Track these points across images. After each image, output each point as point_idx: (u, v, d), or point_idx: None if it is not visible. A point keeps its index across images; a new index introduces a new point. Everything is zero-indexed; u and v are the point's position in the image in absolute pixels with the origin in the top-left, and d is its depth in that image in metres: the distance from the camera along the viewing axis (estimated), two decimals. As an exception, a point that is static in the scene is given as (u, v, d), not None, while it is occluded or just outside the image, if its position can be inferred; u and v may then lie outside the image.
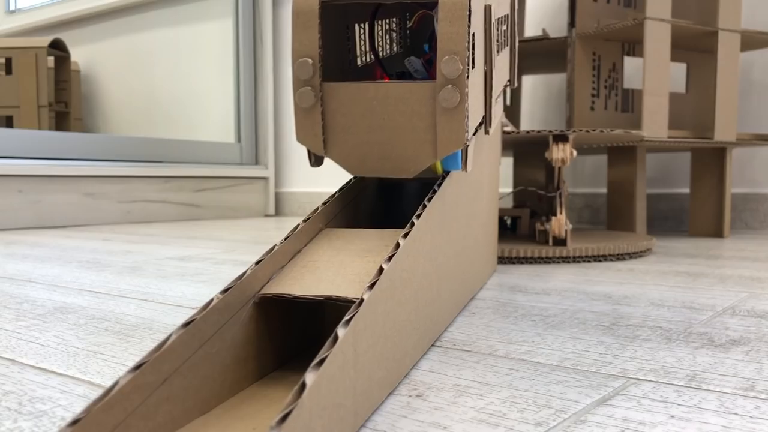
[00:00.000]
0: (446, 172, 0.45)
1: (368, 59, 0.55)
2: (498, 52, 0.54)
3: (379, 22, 0.59)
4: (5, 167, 1.45)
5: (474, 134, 0.44)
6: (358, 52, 0.52)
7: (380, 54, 0.59)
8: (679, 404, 0.32)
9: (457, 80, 0.39)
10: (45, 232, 1.38)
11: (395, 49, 0.64)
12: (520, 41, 1.16)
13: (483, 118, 0.48)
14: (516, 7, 0.66)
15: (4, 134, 1.52)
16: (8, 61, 2.12)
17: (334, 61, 0.47)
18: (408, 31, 0.65)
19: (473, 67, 0.41)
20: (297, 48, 0.40)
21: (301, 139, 0.42)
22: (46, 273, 0.77)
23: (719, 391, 0.34)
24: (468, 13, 0.39)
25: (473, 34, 0.40)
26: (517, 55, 0.68)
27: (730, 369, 0.38)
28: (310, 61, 0.40)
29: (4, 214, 1.46)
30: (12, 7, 2.78)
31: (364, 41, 0.53)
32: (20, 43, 2.13)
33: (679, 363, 0.39)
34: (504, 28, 0.59)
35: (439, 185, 0.43)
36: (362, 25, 0.53)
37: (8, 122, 2.13)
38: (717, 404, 0.32)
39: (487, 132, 0.49)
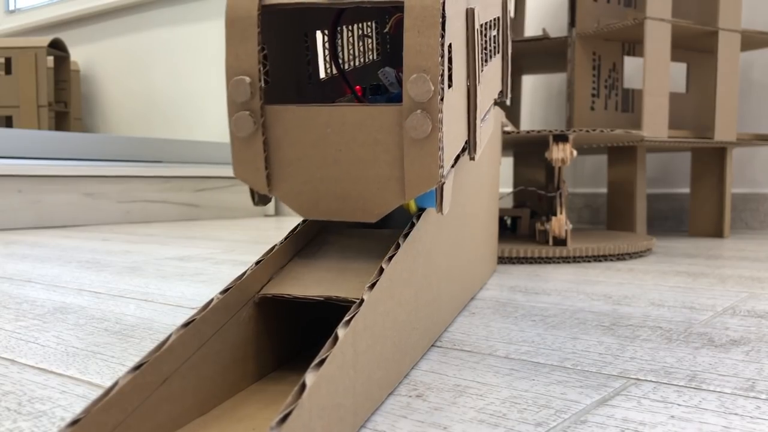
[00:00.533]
0: (421, 210, 0.39)
1: (334, 71, 0.49)
2: (486, 61, 0.48)
3: (351, 27, 0.53)
4: (5, 167, 1.45)
5: (453, 166, 0.37)
6: (322, 64, 0.47)
7: (352, 64, 0.53)
8: (679, 404, 0.32)
9: (427, 104, 0.32)
10: (44, 232, 1.38)
11: (372, 57, 0.57)
12: (520, 41, 1.16)
13: (466, 143, 0.42)
14: (508, 8, 0.60)
15: (3, 134, 1.52)
16: (8, 60, 2.12)
17: (287, 77, 0.41)
18: (388, 37, 0.60)
19: (450, 87, 0.35)
20: (232, 64, 0.34)
21: (239, 173, 0.35)
22: (45, 273, 0.77)
23: (719, 392, 0.34)
24: (441, 19, 0.32)
25: (449, 45, 0.34)
26: (510, 63, 0.60)
27: (730, 369, 0.38)
28: (248, 79, 0.33)
29: (3, 214, 1.46)
30: (12, 7, 2.78)
31: (327, 50, 0.47)
32: (20, 43, 2.13)
33: (680, 363, 0.39)
34: (494, 33, 0.52)
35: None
36: (327, 31, 0.47)
37: (8, 122, 2.13)
38: (717, 404, 0.32)
39: (472, 158, 0.43)
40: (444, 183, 0.34)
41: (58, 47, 2.23)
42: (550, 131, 0.84)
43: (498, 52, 0.55)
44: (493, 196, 0.69)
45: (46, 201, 1.53)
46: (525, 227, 1.03)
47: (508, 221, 1.05)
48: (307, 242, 0.40)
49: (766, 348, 0.43)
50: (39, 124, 2.11)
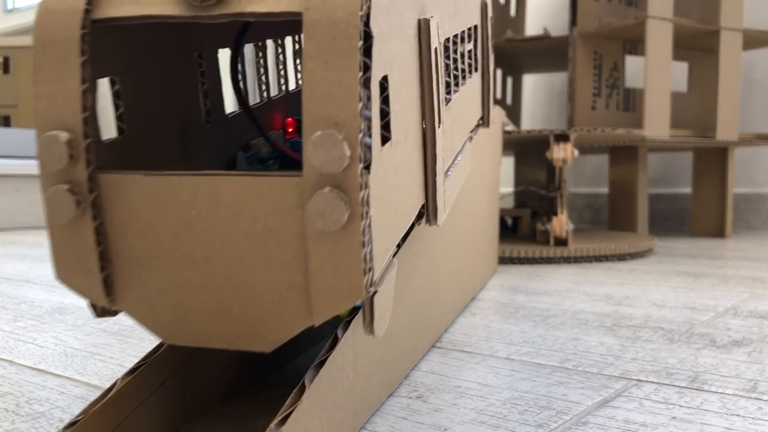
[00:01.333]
0: (356, 311, 0.28)
1: (257, 100, 0.38)
2: (457, 85, 0.37)
3: (281, 41, 0.41)
4: (3, 167, 1.45)
5: (396, 254, 0.27)
6: (229, 94, 0.35)
7: (283, 89, 0.42)
8: (681, 406, 0.32)
9: (342, 177, 0.21)
10: (43, 232, 1.38)
11: None
12: (521, 40, 1.16)
13: (424, 207, 0.30)
14: (490, 14, 0.47)
15: (2, 134, 1.52)
16: (6, 60, 2.12)
17: (163, 119, 0.30)
18: None
19: (387, 141, 0.24)
20: (43, 112, 0.23)
21: (63, 276, 0.24)
22: (44, 273, 0.77)
23: (721, 393, 0.34)
24: (363, 41, 0.21)
25: (384, 78, 0.23)
26: (492, 82, 0.48)
27: (732, 370, 0.38)
28: (65, 136, 0.22)
29: (2, 214, 1.46)
30: (10, 6, 2.78)
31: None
32: (18, 42, 2.13)
33: (681, 364, 0.39)
34: (469, 46, 0.41)
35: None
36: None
37: (6, 122, 2.13)
38: (719, 405, 0.32)
39: (434, 224, 0.31)
40: (375, 294, 0.24)
41: (58, 47, 2.23)
42: (551, 131, 0.84)
43: (476, 70, 0.44)
44: (494, 196, 0.69)
45: (46, 200, 1.53)
46: (526, 227, 1.02)
47: (509, 221, 1.05)
48: None
49: (769, 349, 0.42)
50: (39, 124, 2.11)
